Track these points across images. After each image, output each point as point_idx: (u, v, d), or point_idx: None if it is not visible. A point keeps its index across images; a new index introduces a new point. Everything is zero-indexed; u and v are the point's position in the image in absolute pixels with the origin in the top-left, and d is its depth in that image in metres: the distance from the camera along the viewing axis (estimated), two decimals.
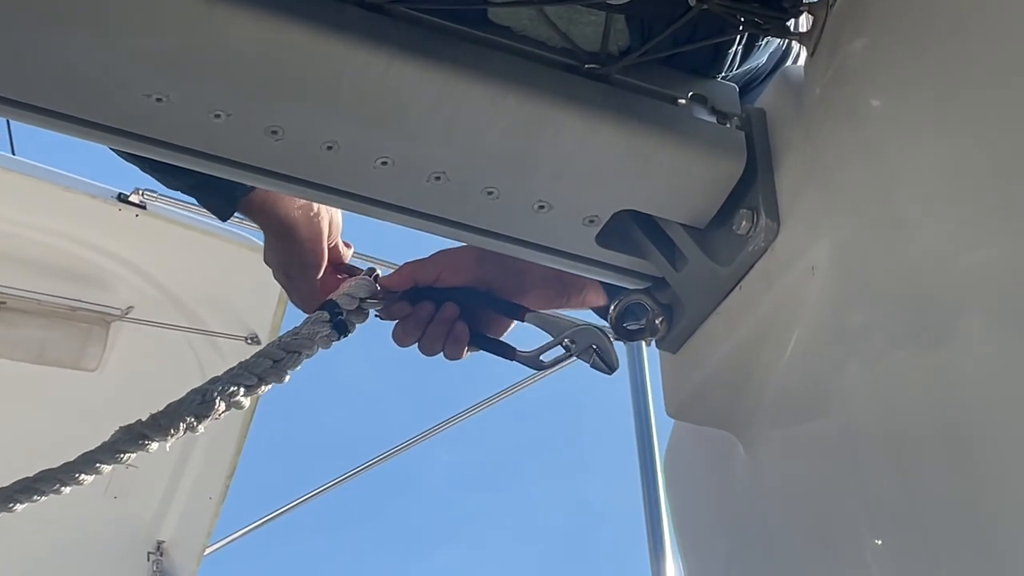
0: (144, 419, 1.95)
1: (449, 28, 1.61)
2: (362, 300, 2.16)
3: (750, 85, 1.99)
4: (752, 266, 1.64)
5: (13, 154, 5.99)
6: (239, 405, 2.00)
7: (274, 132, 1.59)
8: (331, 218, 2.21)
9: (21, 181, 4.84)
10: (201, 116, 1.57)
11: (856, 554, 1.44)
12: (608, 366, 2.02)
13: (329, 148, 1.62)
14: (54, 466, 1.95)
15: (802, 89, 1.65)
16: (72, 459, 1.97)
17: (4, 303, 5.03)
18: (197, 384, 5.05)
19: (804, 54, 1.67)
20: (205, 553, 5.88)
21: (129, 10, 1.47)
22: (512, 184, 1.67)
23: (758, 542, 1.70)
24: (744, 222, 1.63)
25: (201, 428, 1.96)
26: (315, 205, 2.16)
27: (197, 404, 1.95)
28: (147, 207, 4.85)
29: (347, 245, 2.30)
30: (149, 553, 5.90)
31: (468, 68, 1.57)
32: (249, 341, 4.84)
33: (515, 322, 2.21)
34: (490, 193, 1.68)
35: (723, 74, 1.83)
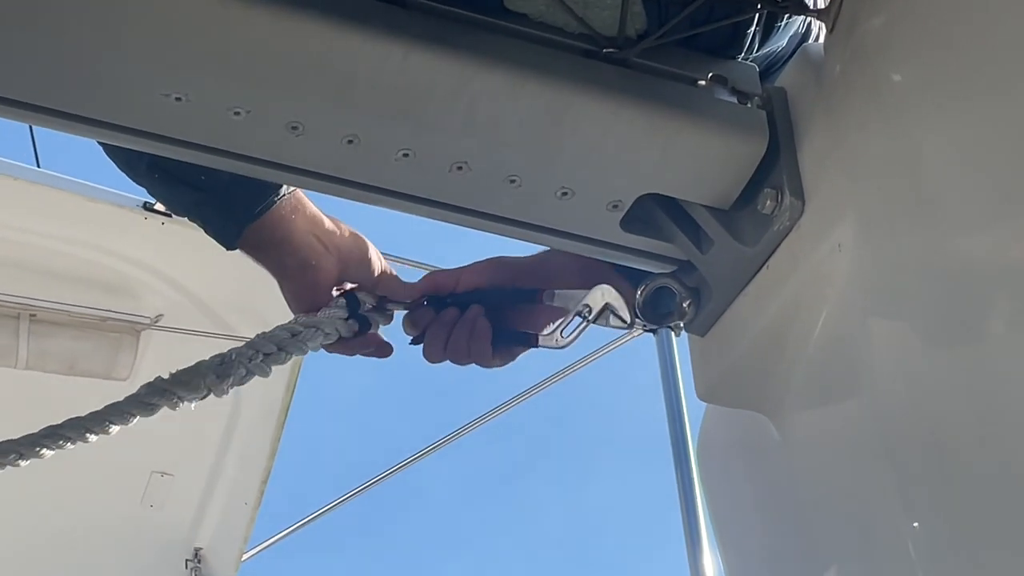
0: (166, 376, 1.98)
1: (465, 17, 1.60)
2: (381, 298, 2.17)
3: (771, 69, 1.98)
4: (778, 245, 1.64)
5: (38, 166, 6.02)
6: (260, 370, 2.03)
7: (294, 128, 1.59)
8: (345, 259, 2.17)
9: (46, 193, 4.85)
10: (220, 114, 1.57)
11: (892, 536, 1.43)
12: (623, 320, 2.01)
13: (350, 142, 1.61)
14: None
15: (822, 66, 1.64)
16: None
17: (35, 315, 5.04)
18: (229, 394, 5.05)
19: (823, 32, 1.67)
20: (243, 559, 5.89)
21: (145, 10, 1.47)
22: (534, 171, 1.67)
23: (793, 522, 1.70)
24: (769, 201, 1.63)
25: (222, 390, 1.99)
26: (316, 255, 2.13)
27: (217, 364, 2.00)
28: (173, 216, 4.84)
29: (381, 271, 2.24)
30: (187, 560, 5.91)
31: (486, 57, 1.57)
32: None
33: (549, 324, 2.21)
34: (512, 181, 1.67)
35: (743, 56, 1.82)
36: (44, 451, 1.95)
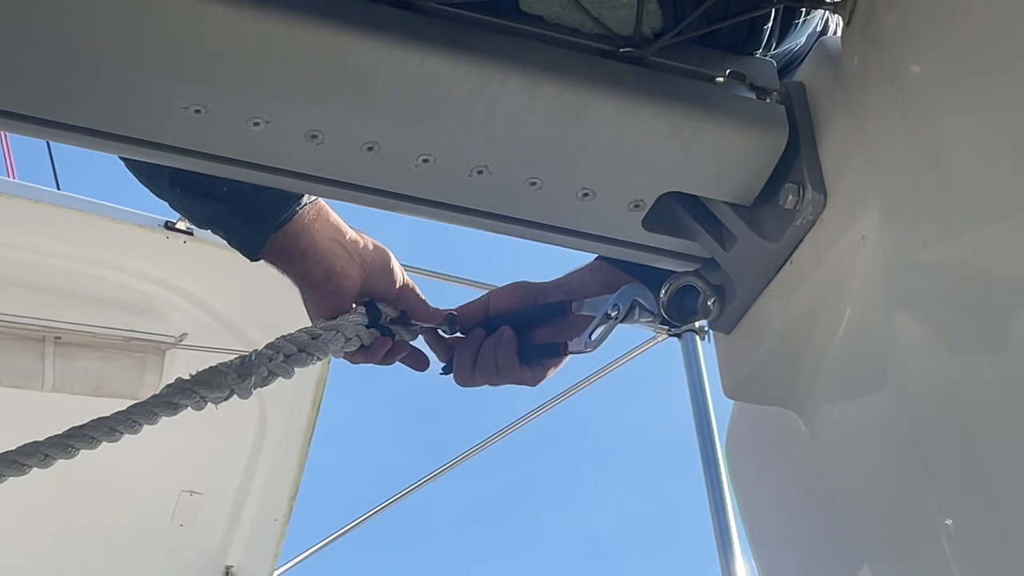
0: (187, 377, 1.99)
1: (481, 20, 1.60)
2: (403, 312, 2.18)
3: (790, 66, 1.98)
4: (801, 240, 1.63)
5: (58, 188, 6.04)
6: (282, 371, 2.04)
7: (314, 136, 1.59)
8: (368, 269, 2.17)
9: (68, 215, 4.86)
10: (240, 125, 1.57)
11: (924, 529, 1.43)
12: (653, 313, 2.01)
13: (370, 149, 1.61)
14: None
15: (840, 59, 1.64)
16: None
17: (59, 338, 5.05)
18: (256, 408, 5.07)
19: (841, 26, 1.66)
20: (274, 575, 5.89)
21: (162, 23, 1.47)
22: (555, 173, 1.67)
23: (824, 517, 1.69)
24: (790, 196, 1.62)
25: (246, 390, 1.99)
26: (341, 262, 2.14)
27: (238, 365, 2.00)
28: (194, 233, 4.86)
29: (403, 284, 2.25)
30: None
31: (503, 59, 1.57)
32: None
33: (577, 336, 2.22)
34: (533, 184, 1.67)
35: (761, 53, 1.82)
36: (70, 451, 1.95)
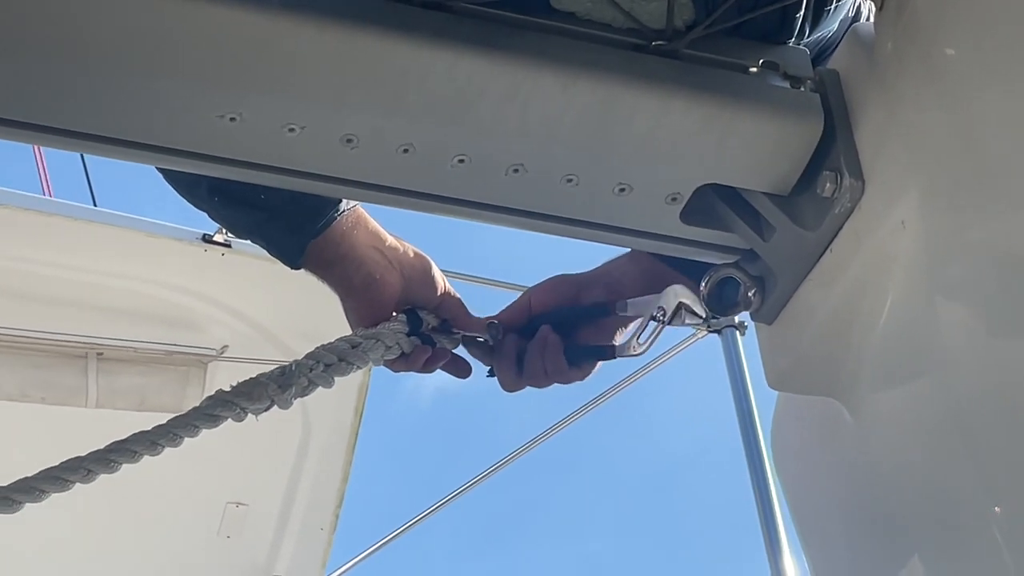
0: (227, 389, 1.99)
1: (512, 19, 1.60)
2: (444, 321, 2.17)
3: (823, 53, 1.97)
4: (840, 228, 1.63)
5: (94, 204, 6.07)
6: (322, 381, 2.04)
7: (349, 140, 1.60)
8: (408, 276, 2.17)
9: (106, 231, 4.89)
10: (275, 131, 1.57)
11: (973, 518, 1.42)
12: (699, 316, 2.00)
13: (405, 151, 1.62)
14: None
15: (873, 45, 1.63)
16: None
17: (101, 354, 5.07)
18: (298, 418, 5.08)
19: (873, 12, 1.66)
20: None
21: (194, 33, 1.48)
22: (591, 169, 1.67)
23: (872, 506, 1.68)
24: (828, 184, 1.62)
25: (286, 400, 1.99)
26: (380, 269, 2.13)
27: (278, 375, 2.00)
28: (232, 245, 4.87)
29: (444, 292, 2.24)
30: None
31: (535, 57, 1.57)
32: None
33: (620, 330, 2.21)
34: (570, 180, 1.67)
35: (794, 41, 1.82)
36: (112, 465, 1.95)
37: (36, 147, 8.02)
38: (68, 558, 5.61)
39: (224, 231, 4.82)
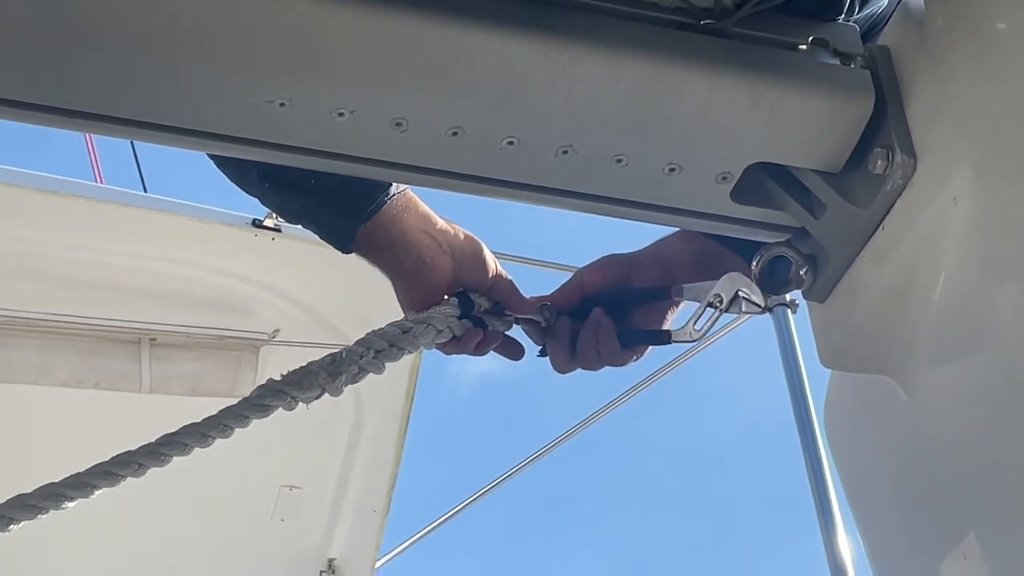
0: (278, 377, 2.00)
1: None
2: (496, 303, 2.17)
3: (873, 30, 1.96)
4: (893, 205, 1.62)
5: (144, 191, 6.10)
6: (373, 367, 2.04)
7: (398, 124, 1.60)
8: (459, 259, 2.17)
9: (156, 218, 4.92)
10: (324, 116, 1.58)
11: None
12: (757, 305, 1.99)
13: (454, 134, 1.62)
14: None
15: (924, 20, 1.62)
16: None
17: (154, 339, 5.11)
18: (351, 401, 5.10)
19: None
20: (376, 566, 5.93)
21: (244, 20, 1.48)
22: (640, 149, 1.66)
23: (928, 483, 1.67)
24: (880, 161, 1.61)
25: (337, 388, 2.00)
26: (431, 252, 2.13)
27: (328, 363, 2.01)
28: (282, 230, 4.89)
29: (495, 274, 2.23)
30: (321, 572, 5.96)
31: (583, 37, 1.57)
32: None
33: (671, 311, 2.21)
34: (619, 161, 1.67)
35: (843, 18, 1.80)
36: (163, 459, 1.96)
37: (87, 135, 8.09)
38: (123, 542, 5.66)
39: (274, 216, 4.83)
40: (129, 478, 1.96)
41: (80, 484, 1.94)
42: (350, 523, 5.86)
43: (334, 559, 5.97)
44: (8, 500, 1.93)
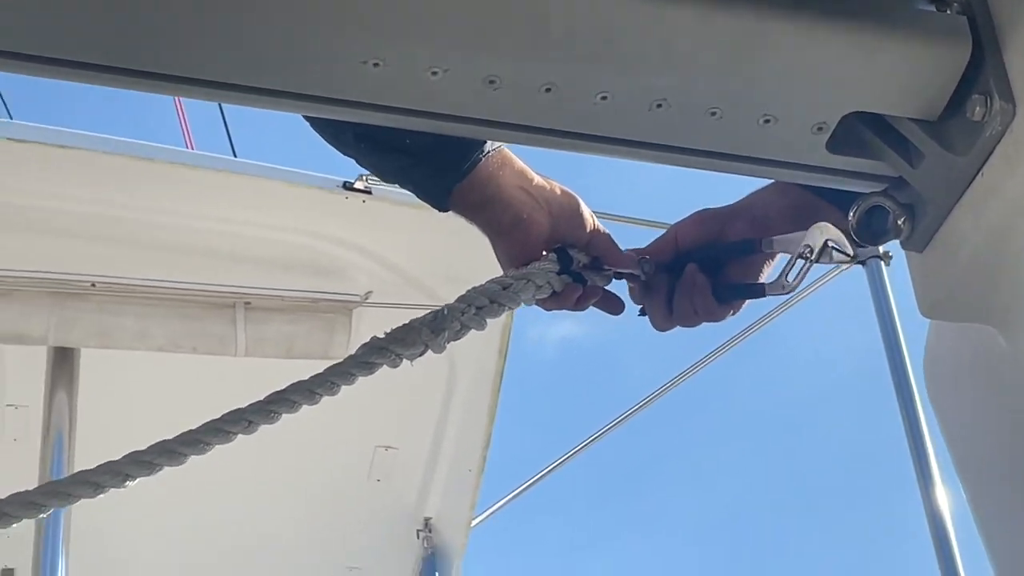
0: (381, 336, 2.01)
1: None
2: (595, 258, 2.17)
3: None
4: (991, 152, 1.60)
5: (234, 156, 6.15)
6: (474, 323, 2.05)
7: (492, 82, 1.60)
8: (556, 215, 2.16)
9: (248, 182, 4.97)
10: (419, 75, 1.58)
11: None
12: (847, 255, 1.98)
13: (548, 90, 1.62)
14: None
15: None
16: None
17: (249, 303, 5.17)
18: (444, 360, 5.13)
19: None
20: (472, 525, 5.97)
21: None
22: (735, 101, 1.65)
23: None
24: (978, 108, 1.59)
25: (439, 345, 2.01)
26: (528, 209, 2.13)
27: (431, 320, 2.02)
28: (372, 192, 4.91)
29: (593, 229, 2.24)
30: (418, 531, 6.02)
31: None
32: None
33: (767, 264, 2.20)
34: (713, 114, 1.66)
35: None
36: (272, 416, 1.99)
37: (177, 100, 8.16)
38: (221, 502, 5.74)
39: (365, 178, 4.86)
40: (239, 435, 1.99)
41: (193, 441, 1.97)
42: (445, 482, 5.92)
43: (430, 518, 6.03)
44: (124, 456, 1.96)
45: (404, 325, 2.04)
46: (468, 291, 2.08)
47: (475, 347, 5.23)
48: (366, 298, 5.24)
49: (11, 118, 8.42)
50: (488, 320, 2.08)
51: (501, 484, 6.47)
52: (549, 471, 6.44)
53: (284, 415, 2.00)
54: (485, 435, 5.58)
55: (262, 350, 5.18)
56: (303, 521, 6.02)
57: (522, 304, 2.11)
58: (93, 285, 5.04)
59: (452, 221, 4.87)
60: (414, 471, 5.92)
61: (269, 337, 5.19)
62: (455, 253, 5.11)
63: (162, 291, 5.11)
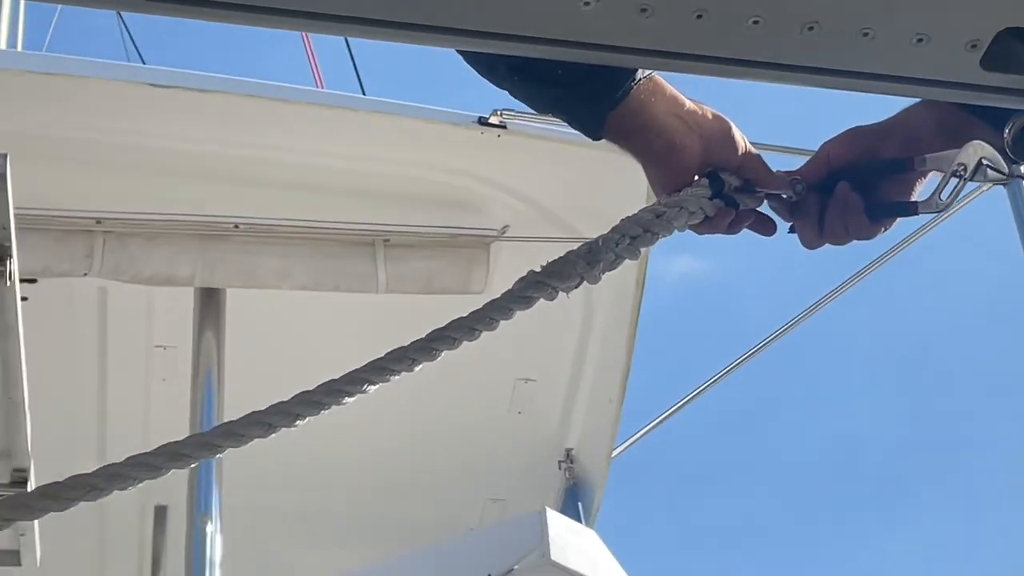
0: (538, 269, 2.03)
1: None
2: (747, 181, 2.17)
3: None
4: None
5: (364, 94, 6.21)
6: (629, 254, 2.06)
7: (643, 10, 1.59)
8: (708, 139, 2.16)
9: (384, 120, 5.01)
10: (571, 6, 1.59)
11: None
12: (1001, 173, 1.96)
13: (699, 16, 1.60)
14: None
15: None
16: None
17: (388, 240, 5.23)
18: (581, 292, 5.22)
19: None
20: (612, 455, 6.00)
21: None
22: (887, 20, 1.64)
23: None
24: None
25: (595, 276, 2.02)
26: (680, 135, 2.13)
27: (586, 252, 2.03)
28: (507, 127, 4.93)
29: (745, 152, 2.22)
30: (559, 462, 6.07)
31: None
32: None
33: (918, 182, 2.19)
34: (865, 34, 1.65)
35: None
36: (434, 353, 2.01)
37: (305, 39, 8.21)
38: (366, 438, 5.83)
39: (499, 113, 4.88)
40: (403, 373, 2.01)
41: (357, 380, 2.00)
42: (586, 414, 5.95)
43: (571, 449, 6.08)
44: (293, 397, 1.99)
45: (560, 258, 2.05)
46: (622, 221, 2.09)
47: (612, 278, 5.23)
48: (503, 232, 5.28)
49: (143, 62, 8.59)
50: (642, 249, 2.09)
51: (638, 416, 6.50)
52: (687, 402, 6.45)
53: (444, 352, 2.02)
54: (624, 366, 5.59)
55: (402, 286, 5.25)
56: (445, 455, 6.09)
57: (675, 231, 2.11)
58: (236, 227, 5.14)
59: (583, 153, 4.88)
60: (554, 403, 5.96)
61: (408, 273, 5.25)
62: (589, 185, 5.13)
63: (303, 231, 5.19)
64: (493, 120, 4.92)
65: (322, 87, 7.87)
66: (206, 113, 4.85)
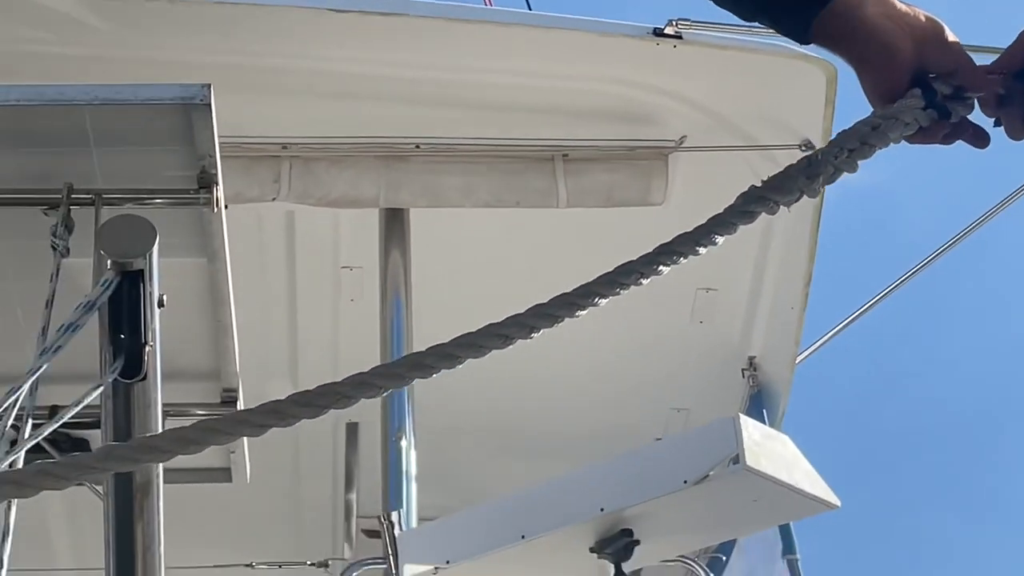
0: (758, 184, 2.02)
1: None
2: (959, 87, 2.14)
3: None
4: None
5: (529, 8, 6.24)
6: (847, 167, 2.04)
7: None
8: (921, 41, 2.13)
9: (560, 35, 5.03)
10: None
11: None
12: None
13: None
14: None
15: None
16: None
17: (567, 155, 5.26)
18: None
19: None
20: (796, 362, 5.99)
21: None
22: None
23: None
24: None
25: (814, 190, 2.02)
26: (893, 37, 2.10)
27: (805, 166, 2.02)
28: (683, 36, 4.91)
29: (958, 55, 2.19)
30: (743, 369, 6.07)
31: None
32: (803, 148, 4.81)
33: None
34: None
35: None
36: (641, 281, 2.00)
37: None
38: (550, 350, 5.88)
39: (675, 23, 4.87)
40: (588, 310, 2.00)
41: (544, 315, 1.99)
42: (768, 321, 5.94)
43: (754, 357, 6.08)
44: (480, 329, 1.99)
45: (780, 173, 2.03)
46: (839, 134, 2.08)
47: None
48: (681, 143, 5.27)
49: None
50: (859, 162, 2.08)
51: (818, 323, 6.45)
52: (869, 307, 6.39)
53: (668, 268, 2.00)
54: (806, 272, 5.56)
55: (582, 200, 5.27)
56: (629, 366, 6.12)
57: (891, 143, 2.10)
58: (418, 147, 5.22)
59: (760, 60, 4.84)
60: (736, 311, 5.95)
61: (588, 187, 5.28)
62: (766, 93, 5.10)
63: (483, 148, 5.24)
64: (668, 31, 4.90)
65: (490, 4, 7.89)
66: (385, 36, 4.92)
